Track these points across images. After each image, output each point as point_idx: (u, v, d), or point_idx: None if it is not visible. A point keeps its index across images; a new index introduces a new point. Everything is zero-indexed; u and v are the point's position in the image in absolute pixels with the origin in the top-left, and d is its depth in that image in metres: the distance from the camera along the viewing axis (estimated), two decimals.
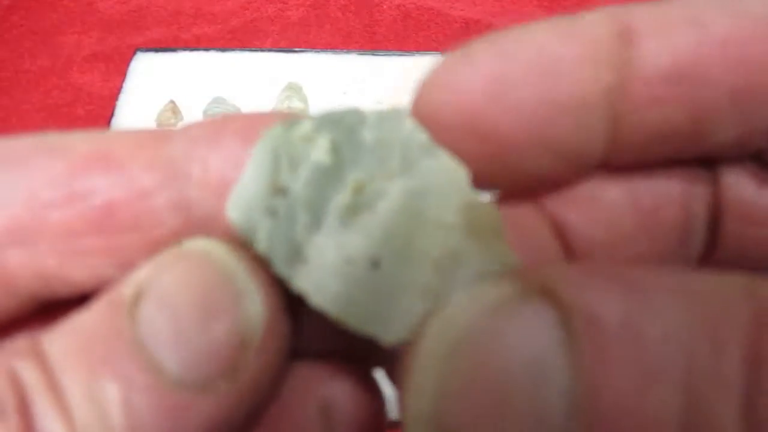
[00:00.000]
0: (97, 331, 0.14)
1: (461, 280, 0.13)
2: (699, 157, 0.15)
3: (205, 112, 0.59)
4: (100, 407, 0.13)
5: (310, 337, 0.16)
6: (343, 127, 0.14)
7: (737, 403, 0.09)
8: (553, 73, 0.14)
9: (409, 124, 0.15)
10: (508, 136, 0.15)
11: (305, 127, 0.14)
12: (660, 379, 0.09)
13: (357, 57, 0.62)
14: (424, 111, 0.15)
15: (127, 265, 0.15)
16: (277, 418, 0.15)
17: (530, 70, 0.14)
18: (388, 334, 0.14)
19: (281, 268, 0.14)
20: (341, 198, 0.14)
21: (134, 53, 0.63)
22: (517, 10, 0.66)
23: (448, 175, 0.14)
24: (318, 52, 0.63)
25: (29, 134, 0.16)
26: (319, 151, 0.14)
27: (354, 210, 0.14)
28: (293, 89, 0.60)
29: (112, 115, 0.59)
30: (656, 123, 0.15)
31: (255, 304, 0.14)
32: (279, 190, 0.14)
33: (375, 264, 0.14)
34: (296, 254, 0.14)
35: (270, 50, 0.64)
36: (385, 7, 0.67)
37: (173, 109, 0.59)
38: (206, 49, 0.64)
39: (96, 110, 0.60)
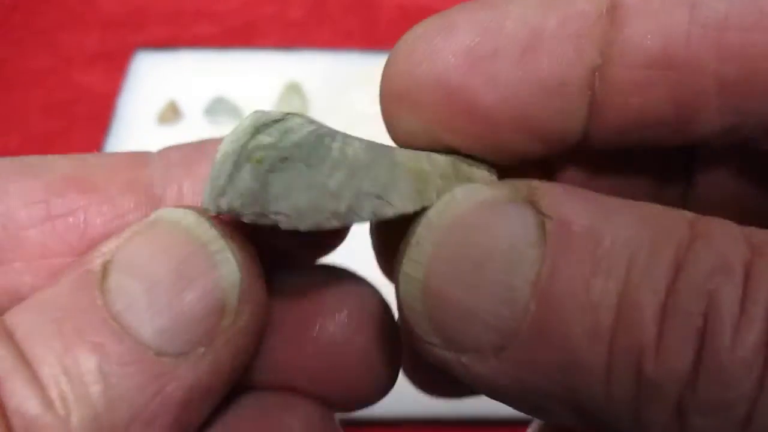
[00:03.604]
0: (67, 304, 0.13)
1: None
2: (681, 144, 0.15)
3: (205, 112, 0.60)
4: (77, 380, 0.12)
5: (273, 369, 0.17)
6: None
7: (659, 296, 0.12)
8: (535, 48, 0.14)
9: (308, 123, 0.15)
10: (485, 111, 0.14)
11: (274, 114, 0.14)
12: (605, 272, 0.12)
13: (357, 56, 0.62)
14: (397, 82, 0.15)
15: None
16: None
17: (512, 44, 0.14)
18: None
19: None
20: (335, 145, 0.14)
21: (135, 52, 0.63)
22: None
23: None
24: (318, 51, 0.63)
25: (8, 158, 0.16)
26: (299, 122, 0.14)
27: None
28: (293, 88, 0.60)
29: (112, 114, 0.59)
30: (639, 107, 0.14)
31: (230, 268, 0.14)
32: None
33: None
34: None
35: (270, 49, 0.64)
36: (385, 7, 0.67)
37: (173, 108, 0.60)
38: (207, 48, 0.64)
39: (96, 109, 0.60)
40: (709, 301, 0.11)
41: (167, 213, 0.14)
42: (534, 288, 0.12)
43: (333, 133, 0.14)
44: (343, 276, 0.17)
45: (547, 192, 0.13)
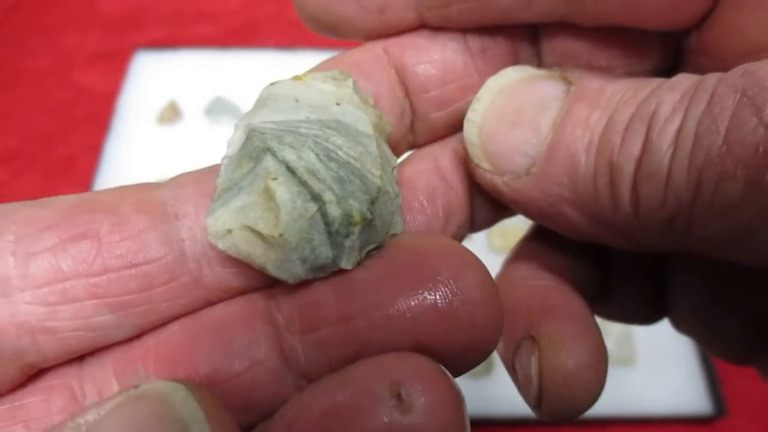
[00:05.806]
0: None
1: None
2: (498, 18, 0.20)
3: (205, 112, 0.60)
4: None
5: None
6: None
7: (629, 113, 0.17)
8: None
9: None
10: None
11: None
12: (601, 108, 0.17)
13: None
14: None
15: (119, 308, 0.15)
16: (348, 397, 0.14)
17: None
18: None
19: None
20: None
21: (135, 52, 0.63)
22: None
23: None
24: (318, 51, 0.63)
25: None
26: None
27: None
28: None
29: (112, 114, 0.59)
30: None
31: None
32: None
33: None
34: None
35: (270, 49, 0.64)
36: None
37: (173, 108, 0.60)
38: (207, 48, 0.64)
39: (96, 109, 0.60)
40: (655, 108, 0.16)
41: (155, 387, 0.13)
42: (553, 124, 0.18)
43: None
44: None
45: (575, 71, 0.19)
